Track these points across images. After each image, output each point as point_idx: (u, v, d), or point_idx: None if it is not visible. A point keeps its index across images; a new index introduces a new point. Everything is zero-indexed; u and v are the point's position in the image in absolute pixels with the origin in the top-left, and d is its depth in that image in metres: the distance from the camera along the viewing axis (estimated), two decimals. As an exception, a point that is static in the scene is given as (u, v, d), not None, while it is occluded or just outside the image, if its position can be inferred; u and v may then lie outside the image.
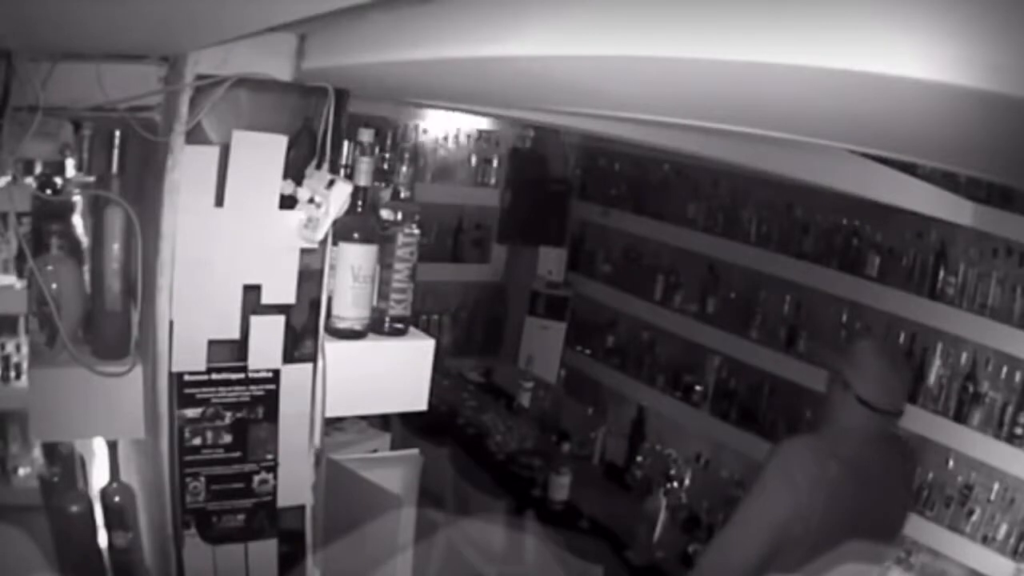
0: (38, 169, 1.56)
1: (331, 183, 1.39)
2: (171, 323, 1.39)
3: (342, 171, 1.48)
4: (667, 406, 3.40)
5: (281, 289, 1.46)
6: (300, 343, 1.50)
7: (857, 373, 1.85)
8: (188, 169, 1.35)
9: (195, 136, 1.35)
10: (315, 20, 1.16)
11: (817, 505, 1.75)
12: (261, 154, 1.38)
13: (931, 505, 2.45)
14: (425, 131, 3.64)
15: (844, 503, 1.77)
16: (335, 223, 1.43)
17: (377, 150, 1.58)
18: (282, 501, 1.53)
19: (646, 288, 3.57)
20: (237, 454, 1.48)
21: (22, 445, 1.92)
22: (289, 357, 1.49)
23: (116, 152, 1.49)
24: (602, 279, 3.82)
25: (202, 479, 1.46)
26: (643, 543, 2.85)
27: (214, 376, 1.44)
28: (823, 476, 1.77)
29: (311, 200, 1.39)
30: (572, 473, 3.10)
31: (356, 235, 1.50)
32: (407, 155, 1.62)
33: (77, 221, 1.58)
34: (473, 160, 3.84)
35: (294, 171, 1.41)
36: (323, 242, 1.46)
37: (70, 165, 1.59)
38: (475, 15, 0.92)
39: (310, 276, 1.48)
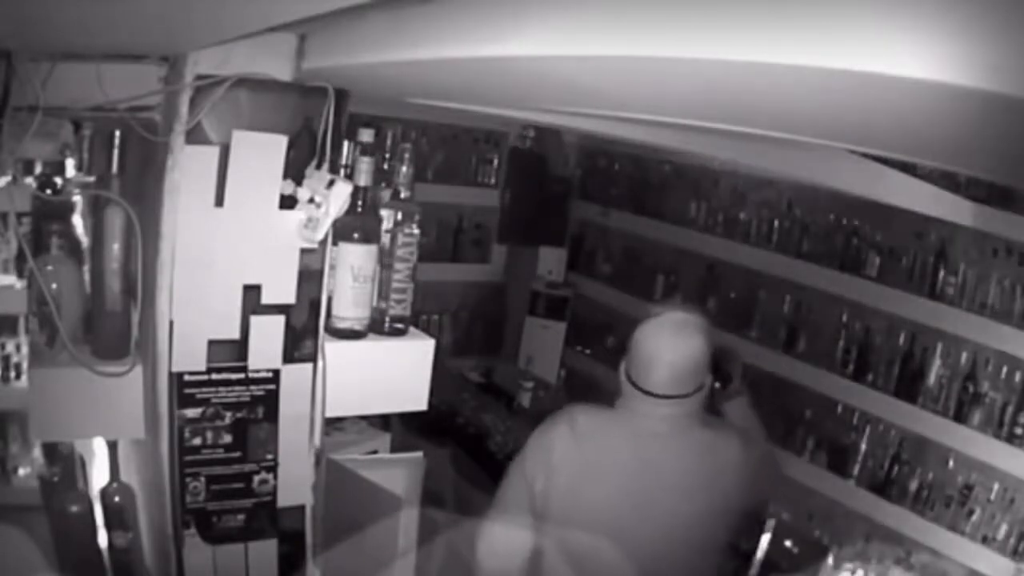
0: (38, 169, 1.56)
1: (331, 183, 1.39)
2: (171, 323, 1.39)
3: (342, 171, 1.48)
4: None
5: (281, 289, 1.46)
6: (300, 343, 1.50)
7: (630, 347, 1.74)
8: (188, 169, 1.35)
9: (195, 136, 1.35)
10: (315, 20, 1.16)
11: (570, 479, 1.72)
12: (261, 154, 1.38)
13: (931, 505, 2.45)
14: (425, 131, 3.64)
15: (609, 483, 1.71)
16: (335, 223, 1.43)
17: (377, 150, 1.58)
18: (282, 501, 1.53)
19: (646, 288, 3.57)
20: (237, 454, 1.48)
21: (22, 445, 1.91)
22: (289, 357, 1.49)
23: (116, 152, 1.49)
24: (602, 279, 3.82)
25: (202, 479, 1.46)
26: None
27: (214, 376, 1.44)
28: (580, 451, 1.73)
29: (311, 200, 1.39)
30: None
31: (356, 235, 1.50)
32: (407, 155, 1.62)
33: (77, 221, 1.58)
34: (473, 160, 3.84)
35: (294, 171, 1.41)
36: (323, 242, 1.46)
37: (70, 165, 1.59)
38: (475, 15, 0.92)
39: (310, 276, 1.48)
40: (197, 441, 1.44)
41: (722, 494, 1.74)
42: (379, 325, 1.60)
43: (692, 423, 1.75)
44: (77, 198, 1.58)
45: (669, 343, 1.69)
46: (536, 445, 1.80)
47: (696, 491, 1.72)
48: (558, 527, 1.73)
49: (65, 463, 1.62)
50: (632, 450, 1.73)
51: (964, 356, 2.41)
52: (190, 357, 1.41)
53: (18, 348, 1.87)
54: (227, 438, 1.47)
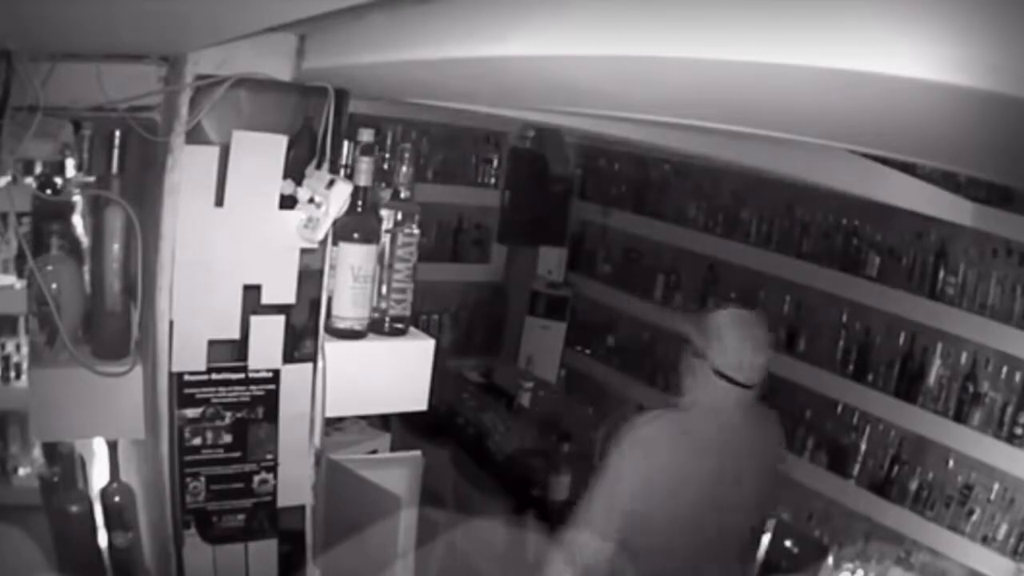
0: (38, 169, 1.56)
1: (331, 183, 1.39)
2: (171, 323, 1.39)
3: (342, 171, 1.48)
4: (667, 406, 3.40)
5: (281, 289, 1.46)
6: (300, 343, 1.50)
7: (714, 345, 1.82)
8: (188, 169, 1.35)
9: (195, 136, 1.35)
10: (315, 20, 1.16)
11: (668, 482, 1.77)
12: (261, 154, 1.38)
13: (931, 505, 2.45)
14: (425, 131, 3.64)
15: (703, 477, 1.79)
16: (335, 223, 1.43)
17: (377, 150, 1.58)
18: (282, 501, 1.53)
19: (646, 288, 3.57)
20: (237, 454, 1.48)
21: (22, 445, 1.92)
22: (289, 357, 1.49)
23: (116, 152, 1.49)
24: (602, 279, 3.82)
25: (202, 479, 1.46)
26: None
27: (214, 376, 1.44)
28: (674, 453, 1.80)
29: (311, 200, 1.39)
30: (572, 473, 3.10)
31: (356, 235, 1.50)
32: (407, 155, 1.62)
33: (77, 221, 1.58)
34: (473, 160, 3.84)
35: (294, 171, 1.41)
36: (323, 242, 1.46)
37: (70, 165, 1.59)
38: (475, 15, 0.92)
39: (310, 276, 1.48)
40: (197, 441, 1.44)
41: (777, 455, 2.03)
42: (379, 325, 1.60)
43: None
44: (77, 198, 1.58)
45: (759, 337, 1.84)
46: (642, 447, 1.81)
47: (765, 456, 1.95)
48: (654, 524, 1.78)
49: (65, 463, 1.62)
50: (724, 436, 1.84)
51: (964, 356, 2.42)
52: (190, 357, 1.41)
53: (18, 348, 1.88)
54: (227, 438, 1.47)
